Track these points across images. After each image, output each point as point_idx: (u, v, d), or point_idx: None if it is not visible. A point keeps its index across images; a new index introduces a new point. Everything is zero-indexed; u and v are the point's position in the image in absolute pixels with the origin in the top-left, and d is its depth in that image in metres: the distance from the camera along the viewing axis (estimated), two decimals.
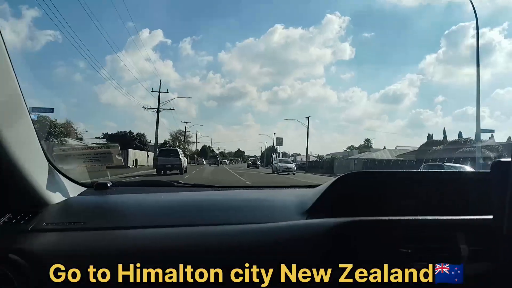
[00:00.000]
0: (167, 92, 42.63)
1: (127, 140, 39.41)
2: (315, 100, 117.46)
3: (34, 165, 1.18)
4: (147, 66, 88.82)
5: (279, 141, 62.81)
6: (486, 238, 1.01)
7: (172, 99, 43.93)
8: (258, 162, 57.13)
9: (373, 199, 1.20)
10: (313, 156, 66.47)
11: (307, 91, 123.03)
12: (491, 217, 0.98)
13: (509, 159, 0.94)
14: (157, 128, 45.44)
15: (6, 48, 1.02)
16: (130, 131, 45.22)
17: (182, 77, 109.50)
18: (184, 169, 23.76)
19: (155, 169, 24.08)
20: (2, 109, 1.02)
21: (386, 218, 1.07)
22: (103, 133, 44.81)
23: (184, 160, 24.85)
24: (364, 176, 1.33)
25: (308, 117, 48.53)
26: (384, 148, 52.54)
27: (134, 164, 33.96)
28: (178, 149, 27.02)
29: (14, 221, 1.16)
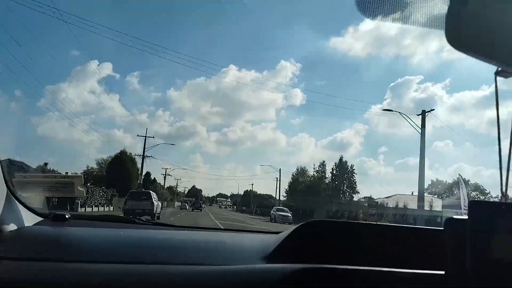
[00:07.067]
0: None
1: None
2: (265, 143, 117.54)
3: None
4: (91, 99, 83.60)
5: None
6: None
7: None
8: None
9: (332, 248, 1.22)
10: None
11: (257, 134, 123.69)
12: (443, 272, 1.02)
13: (462, 217, 1.00)
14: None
15: None
16: None
17: (129, 113, 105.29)
18: (156, 215, 22.46)
19: (123, 214, 22.71)
20: None
21: (341, 267, 1.09)
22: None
23: (157, 205, 23.49)
24: (325, 225, 1.36)
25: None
26: None
27: None
28: (151, 192, 24.85)
29: None
